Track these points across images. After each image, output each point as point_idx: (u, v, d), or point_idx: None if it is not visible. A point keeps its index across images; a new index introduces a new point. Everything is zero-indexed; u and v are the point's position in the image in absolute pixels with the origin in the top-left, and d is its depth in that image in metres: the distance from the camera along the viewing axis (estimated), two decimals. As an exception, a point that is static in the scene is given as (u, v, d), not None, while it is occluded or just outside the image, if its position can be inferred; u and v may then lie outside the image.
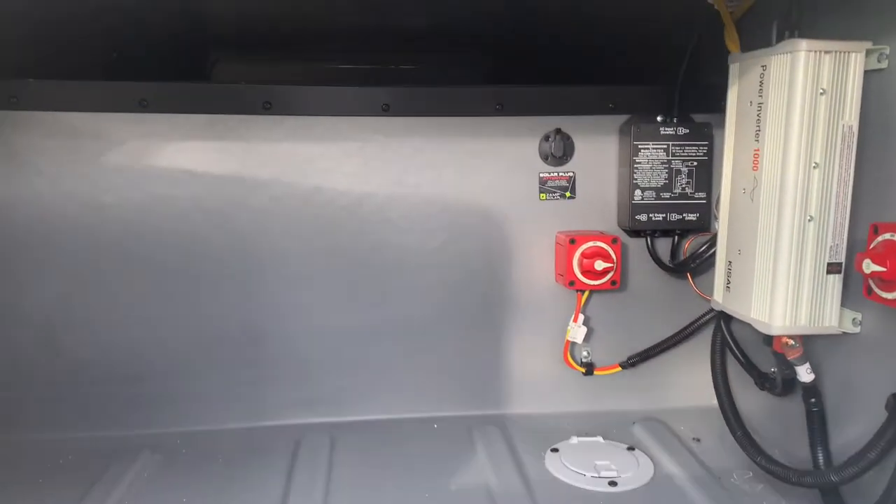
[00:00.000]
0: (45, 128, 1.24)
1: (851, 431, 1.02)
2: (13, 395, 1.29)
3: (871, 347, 0.98)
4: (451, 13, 1.35)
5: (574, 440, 1.28)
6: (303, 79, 1.68)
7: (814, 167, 0.98)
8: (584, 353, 1.40)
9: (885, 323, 0.96)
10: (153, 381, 1.32)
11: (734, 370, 1.28)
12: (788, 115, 0.97)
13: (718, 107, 1.18)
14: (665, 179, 1.29)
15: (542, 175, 1.35)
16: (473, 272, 1.37)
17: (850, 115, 0.96)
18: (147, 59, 1.55)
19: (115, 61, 1.51)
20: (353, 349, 1.36)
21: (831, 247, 1.00)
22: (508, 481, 1.15)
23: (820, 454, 1.05)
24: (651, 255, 1.35)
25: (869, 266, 0.89)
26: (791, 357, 1.06)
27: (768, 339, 1.07)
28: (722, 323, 1.26)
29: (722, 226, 1.17)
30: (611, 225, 1.36)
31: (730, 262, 1.14)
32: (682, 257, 1.35)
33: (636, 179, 1.29)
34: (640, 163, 1.29)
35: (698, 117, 1.31)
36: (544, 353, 1.39)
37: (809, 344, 1.07)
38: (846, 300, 1.01)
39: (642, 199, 1.30)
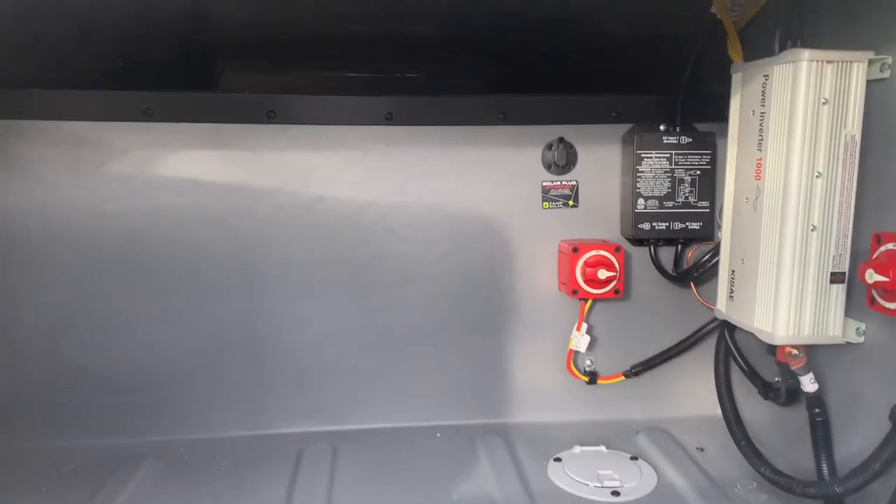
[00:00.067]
0: (49, 137, 1.25)
1: (855, 442, 1.01)
2: (16, 402, 1.29)
3: (875, 357, 0.98)
4: (454, 22, 1.35)
5: (577, 449, 1.27)
6: (308, 87, 1.69)
7: (816, 177, 0.97)
8: (588, 362, 1.40)
9: (889, 333, 0.95)
10: (155, 389, 1.33)
11: (738, 379, 1.28)
12: (791, 125, 0.97)
13: (721, 116, 1.18)
14: (668, 188, 1.29)
15: (544, 184, 1.35)
16: (476, 281, 1.37)
17: (853, 125, 0.96)
18: (153, 69, 1.55)
19: (121, 71, 1.52)
20: (355, 358, 1.36)
21: (834, 256, 1.00)
22: (511, 491, 1.14)
23: (824, 464, 1.05)
24: (654, 264, 1.35)
25: (872, 276, 0.89)
26: (794, 367, 1.05)
27: (772, 349, 1.07)
28: (725, 332, 1.25)
29: (725, 235, 1.16)
30: (614, 234, 1.36)
31: (733, 271, 1.14)
32: (685, 266, 1.35)
33: (639, 188, 1.29)
34: (643, 171, 1.29)
35: (701, 126, 1.31)
36: (547, 361, 1.39)
37: (813, 354, 1.06)
38: (850, 310, 1.01)
39: (645, 208, 1.29)
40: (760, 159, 1.04)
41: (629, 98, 1.34)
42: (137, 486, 1.16)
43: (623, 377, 1.39)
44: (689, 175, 1.29)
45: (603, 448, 1.28)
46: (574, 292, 1.30)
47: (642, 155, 1.28)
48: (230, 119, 1.28)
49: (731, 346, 1.25)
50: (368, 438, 1.34)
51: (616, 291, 1.30)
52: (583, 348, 1.36)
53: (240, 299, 1.32)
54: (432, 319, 1.37)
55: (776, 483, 1.08)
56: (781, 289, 1.01)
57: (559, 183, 1.35)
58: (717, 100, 1.21)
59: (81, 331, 1.29)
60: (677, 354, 1.38)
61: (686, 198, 1.30)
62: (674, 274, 1.35)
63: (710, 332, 1.34)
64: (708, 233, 1.31)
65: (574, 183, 1.36)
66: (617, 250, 1.29)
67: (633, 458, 1.25)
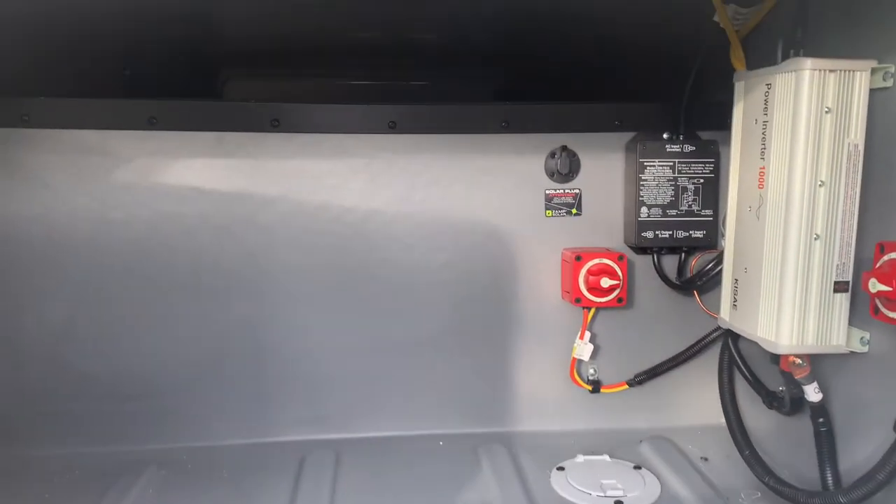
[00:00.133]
0: (54, 145, 1.25)
1: (860, 452, 1.00)
2: (19, 410, 1.29)
3: (880, 367, 0.97)
4: (460, 30, 1.36)
5: (580, 458, 1.27)
6: (312, 96, 1.70)
7: (819, 185, 0.97)
8: (591, 371, 1.40)
9: (893, 342, 0.95)
10: (158, 397, 1.33)
11: (742, 388, 1.27)
12: (794, 134, 0.97)
13: (725, 124, 1.18)
14: (671, 196, 1.29)
15: (548, 192, 1.35)
16: (479, 289, 1.37)
17: (856, 134, 0.96)
18: (159, 77, 1.56)
19: (127, 79, 1.53)
20: (359, 366, 1.36)
21: (838, 265, 0.99)
22: (513, 500, 1.14)
23: (829, 474, 1.04)
24: (658, 273, 1.35)
25: (875, 285, 0.88)
26: (798, 376, 1.05)
27: (775, 358, 1.06)
28: (729, 341, 1.25)
29: (728, 244, 1.16)
30: (617, 242, 1.36)
31: (736, 279, 1.14)
32: (688, 275, 1.35)
33: (642, 196, 1.29)
34: (646, 180, 1.29)
35: (704, 134, 1.31)
36: (550, 370, 1.39)
37: (817, 363, 1.06)
38: (854, 319, 1.00)
39: (648, 217, 1.29)
40: (763, 168, 1.04)
41: (632, 106, 1.34)
42: (140, 493, 1.16)
43: (626, 386, 1.39)
44: (693, 183, 1.29)
45: (606, 457, 1.28)
46: (577, 301, 1.30)
47: (645, 163, 1.28)
48: (234, 127, 1.29)
49: (734, 355, 1.24)
50: (371, 446, 1.34)
51: (619, 300, 1.30)
52: (586, 357, 1.36)
53: (243, 307, 1.33)
54: (436, 327, 1.37)
55: (780, 493, 1.08)
56: (785, 298, 1.01)
57: (562, 191, 1.35)
58: (720, 108, 1.21)
59: (84, 338, 1.30)
60: (681, 363, 1.38)
61: (689, 206, 1.30)
62: (677, 282, 1.35)
63: (713, 341, 1.34)
64: (711, 241, 1.31)
65: (577, 191, 1.36)
66: (620, 259, 1.29)
67: (637, 467, 1.24)
